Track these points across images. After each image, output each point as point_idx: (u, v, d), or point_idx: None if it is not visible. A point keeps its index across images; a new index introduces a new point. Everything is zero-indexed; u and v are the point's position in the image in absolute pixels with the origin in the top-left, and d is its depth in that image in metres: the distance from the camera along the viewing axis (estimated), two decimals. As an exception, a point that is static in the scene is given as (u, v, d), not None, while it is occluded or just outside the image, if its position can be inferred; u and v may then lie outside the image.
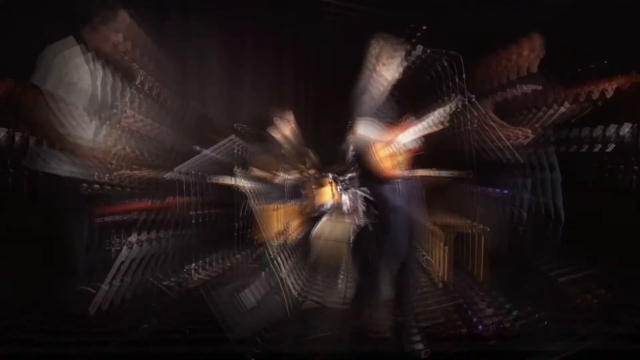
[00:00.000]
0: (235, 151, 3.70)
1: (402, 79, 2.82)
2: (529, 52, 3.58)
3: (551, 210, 3.64)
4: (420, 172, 2.99)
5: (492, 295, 3.04)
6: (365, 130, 2.72)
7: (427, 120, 2.65)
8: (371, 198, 3.96)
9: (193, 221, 3.43)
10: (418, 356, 2.36)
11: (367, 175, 2.75)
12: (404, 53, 2.75)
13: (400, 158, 2.71)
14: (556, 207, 3.64)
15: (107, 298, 2.71)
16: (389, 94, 2.79)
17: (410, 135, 2.70)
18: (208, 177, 3.57)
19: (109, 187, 2.68)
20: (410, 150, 2.76)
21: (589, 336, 2.46)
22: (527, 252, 3.62)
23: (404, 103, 2.86)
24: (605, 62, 3.59)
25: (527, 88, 3.59)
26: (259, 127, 4.11)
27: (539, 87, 3.60)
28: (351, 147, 3.06)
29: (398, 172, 2.71)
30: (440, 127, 2.66)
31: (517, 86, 3.60)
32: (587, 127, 4.14)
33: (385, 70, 2.74)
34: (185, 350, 2.43)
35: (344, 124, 3.88)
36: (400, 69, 2.78)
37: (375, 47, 2.75)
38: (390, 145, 2.68)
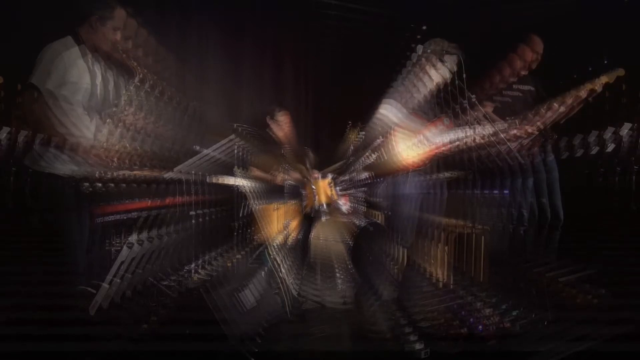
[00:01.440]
0: (235, 151, 3.70)
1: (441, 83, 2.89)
2: (532, 55, 3.58)
3: (549, 210, 3.67)
4: (423, 170, 3.01)
5: (492, 295, 3.04)
6: (389, 111, 2.76)
7: (464, 130, 2.72)
8: (371, 198, 3.97)
9: (193, 221, 3.43)
10: (418, 356, 2.36)
11: (374, 167, 2.80)
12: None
13: (414, 150, 2.75)
14: (555, 207, 3.67)
15: (107, 297, 2.70)
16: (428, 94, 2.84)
17: (439, 135, 2.76)
18: (208, 177, 3.57)
19: (109, 186, 2.68)
20: (429, 149, 2.80)
21: (588, 336, 2.46)
22: (527, 252, 3.64)
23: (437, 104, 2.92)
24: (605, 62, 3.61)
25: (526, 89, 3.62)
26: (259, 127, 4.11)
27: (533, 89, 3.63)
28: (371, 128, 3.11)
29: (409, 163, 2.74)
30: (449, 126, 2.71)
31: (517, 87, 3.62)
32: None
33: (431, 72, 2.79)
34: (184, 350, 2.43)
35: (344, 123, 3.90)
36: (444, 74, 2.83)
37: (427, 51, 2.81)
38: (409, 134, 2.72)
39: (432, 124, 2.82)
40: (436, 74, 2.83)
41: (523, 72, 3.60)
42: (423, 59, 2.85)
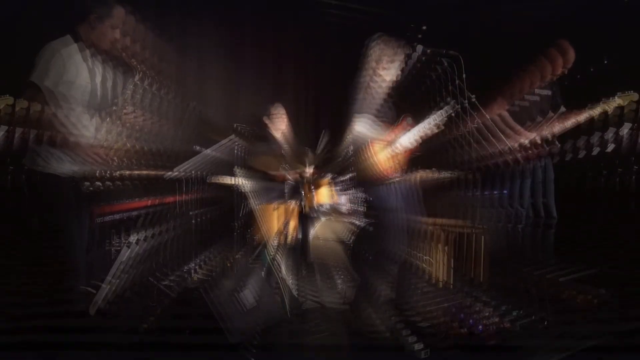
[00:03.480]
0: (235, 151, 3.70)
1: (402, 80, 2.86)
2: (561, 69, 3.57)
3: (543, 210, 3.70)
4: (418, 173, 3.01)
5: (492, 295, 3.04)
6: (363, 127, 2.75)
7: (427, 121, 2.70)
8: (370, 198, 3.96)
9: (193, 221, 3.42)
10: (418, 356, 2.35)
11: (363, 173, 2.79)
12: (403, 55, 2.78)
13: (397, 158, 2.74)
14: (549, 207, 3.70)
15: (107, 297, 2.69)
16: (388, 95, 2.82)
17: (408, 135, 2.74)
18: (208, 177, 3.57)
19: (108, 185, 2.67)
20: (407, 150, 2.79)
21: (588, 336, 2.46)
22: (526, 252, 3.64)
23: (403, 104, 2.90)
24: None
25: (544, 94, 3.62)
26: (259, 127, 4.11)
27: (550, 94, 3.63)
28: (348, 145, 3.11)
29: (395, 171, 2.73)
30: (440, 128, 2.70)
31: (536, 92, 3.62)
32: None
33: (385, 71, 2.77)
34: (184, 350, 2.43)
35: (343, 124, 3.89)
36: (400, 71, 2.81)
37: (376, 49, 2.77)
38: (388, 144, 2.71)
39: (398, 127, 2.81)
40: (388, 72, 2.79)
41: (550, 79, 3.61)
42: (371, 59, 2.81)
